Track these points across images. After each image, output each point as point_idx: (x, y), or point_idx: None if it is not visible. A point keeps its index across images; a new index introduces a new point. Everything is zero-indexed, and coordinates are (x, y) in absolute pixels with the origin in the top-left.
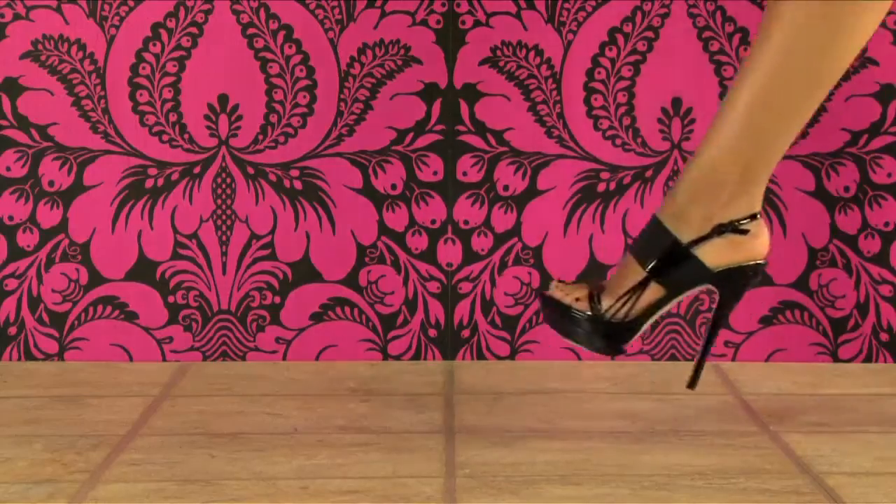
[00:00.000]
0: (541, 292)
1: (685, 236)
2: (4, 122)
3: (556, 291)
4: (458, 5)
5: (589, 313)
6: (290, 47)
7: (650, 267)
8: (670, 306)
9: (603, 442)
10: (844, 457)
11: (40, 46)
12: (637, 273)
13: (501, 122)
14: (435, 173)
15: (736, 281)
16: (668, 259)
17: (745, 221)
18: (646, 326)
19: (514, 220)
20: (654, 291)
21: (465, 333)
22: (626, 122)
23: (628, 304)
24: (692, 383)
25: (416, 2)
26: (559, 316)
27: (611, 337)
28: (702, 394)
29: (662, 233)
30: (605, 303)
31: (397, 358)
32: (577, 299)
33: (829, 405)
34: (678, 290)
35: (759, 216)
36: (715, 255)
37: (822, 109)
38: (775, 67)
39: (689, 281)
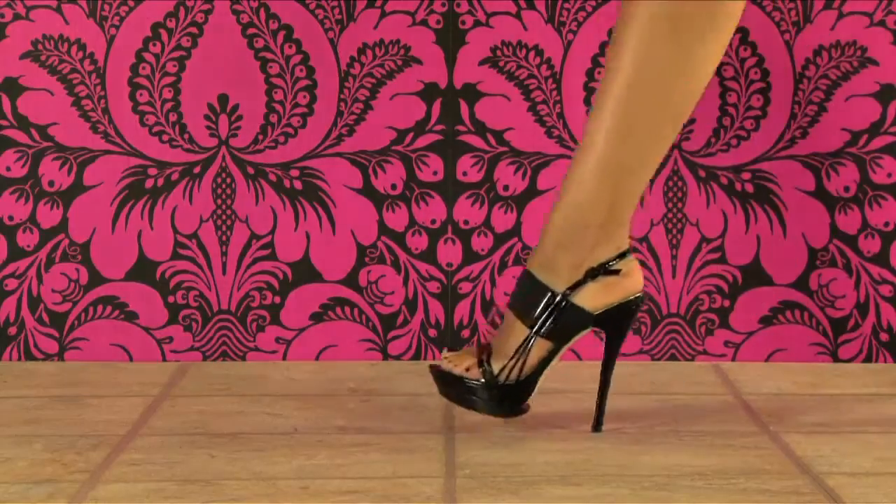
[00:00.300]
0: (430, 366)
1: (559, 286)
2: (4, 122)
3: (445, 363)
4: (458, 5)
5: (482, 380)
6: (290, 47)
7: (531, 324)
8: (562, 354)
9: (603, 442)
10: (844, 457)
11: (40, 46)
12: (521, 331)
13: (501, 122)
14: (435, 173)
15: (619, 319)
16: (548, 312)
17: (614, 261)
18: (542, 378)
19: (514, 220)
20: (541, 346)
21: (465, 333)
22: None
23: (519, 364)
24: (596, 426)
25: (416, 2)
26: (454, 388)
27: (508, 399)
28: (702, 394)
29: (536, 286)
30: (496, 366)
31: (397, 358)
32: (468, 368)
33: (829, 405)
34: (565, 339)
35: (628, 253)
36: (592, 298)
37: (821, 109)
38: (628, 92)
39: (574, 329)
